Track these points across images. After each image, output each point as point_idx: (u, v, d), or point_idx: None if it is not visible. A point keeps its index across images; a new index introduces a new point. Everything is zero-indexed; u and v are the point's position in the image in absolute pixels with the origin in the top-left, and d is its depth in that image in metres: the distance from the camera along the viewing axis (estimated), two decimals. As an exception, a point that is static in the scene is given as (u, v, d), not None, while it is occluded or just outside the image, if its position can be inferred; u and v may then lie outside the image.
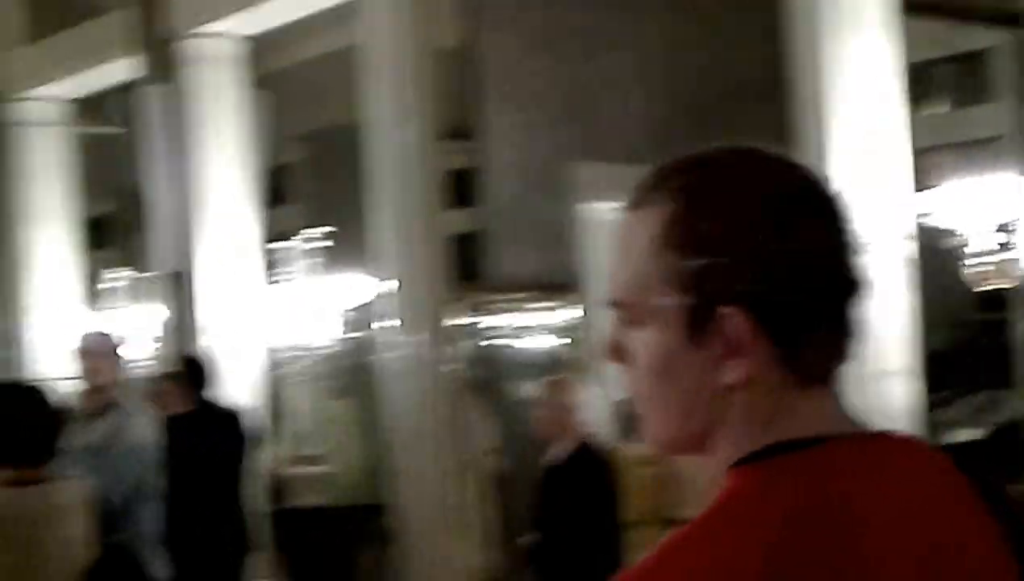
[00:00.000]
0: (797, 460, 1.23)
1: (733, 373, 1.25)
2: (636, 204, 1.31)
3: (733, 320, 1.24)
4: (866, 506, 1.22)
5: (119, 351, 5.86)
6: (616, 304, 1.32)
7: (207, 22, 10.21)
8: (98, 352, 5.73)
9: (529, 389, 6.21)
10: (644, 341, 1.29)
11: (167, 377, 8.49)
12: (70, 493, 4.24)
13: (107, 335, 5.99)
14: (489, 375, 10.27)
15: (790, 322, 1.25)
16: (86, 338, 5.88)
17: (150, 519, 5.68)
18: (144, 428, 5.78)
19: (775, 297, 1.24)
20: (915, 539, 1.24)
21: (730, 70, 10.24)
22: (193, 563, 8.01)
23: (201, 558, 8.02)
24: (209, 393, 8.27)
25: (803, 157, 5.87)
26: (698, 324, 1.26)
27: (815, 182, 1.30)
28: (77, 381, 5.65)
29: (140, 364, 11.41)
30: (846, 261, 1.28)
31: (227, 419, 8.34)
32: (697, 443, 1.30)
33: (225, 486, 8.22)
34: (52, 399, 4.31)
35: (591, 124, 9.98)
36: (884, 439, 1.30)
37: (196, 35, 10.26)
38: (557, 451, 6.03)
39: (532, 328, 10.36)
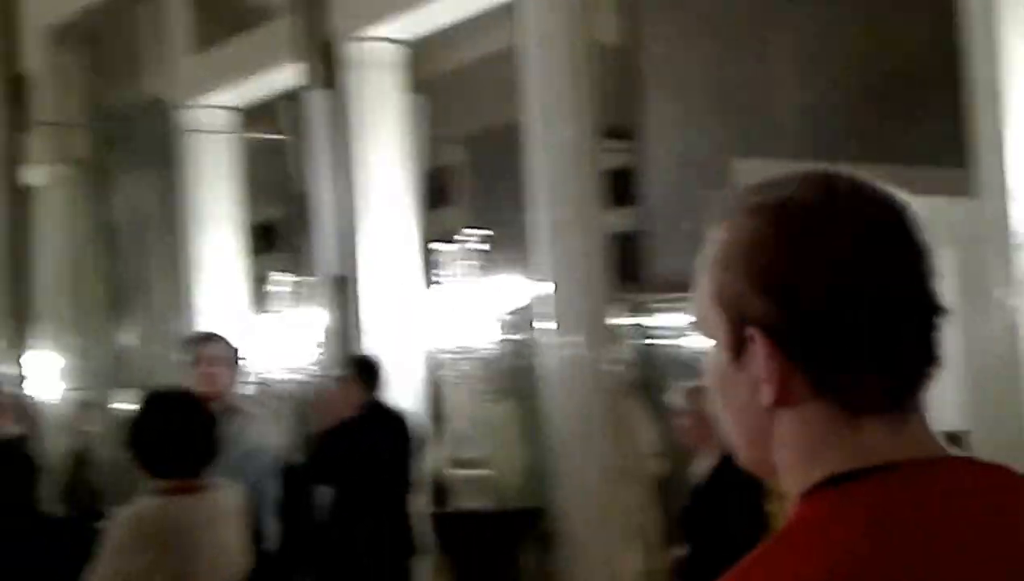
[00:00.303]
0: (857, 491, 1.20)
1: (765, 397, 1.24)
2: (715, 224, 1.32)
3: (756, 343, 1.23)
4: (929, 538, 1.18)
5: (237, 355, 5.82)
6: (693, 322, 1.33)
7: (368, 27, 10.28)
8: (215, 358, 5.69)
9: (674, 396, 6.02)
10: (709, 358, 1.31)
11: (338, 379, 8.55)
12: (227, 500, 4.26)
13: (224, 339, 5.96)
14: (650, 376, 10.14)
15: (821, 349, 1.22)
16: (203, 344, 5.84)
17: (270, 523, 5.65)
18: (263, 433, 5.76)
19: (796, 323, 1.22)
20: (985, 572, 1.19)
21: (898, 58, 9.89)
22: (360, 564, 8.05)
23: (368, 559, 8.05)
24: (379, 395, 8.31)
25: (978, 148, 5.60)
26: (737, 344, 1.25)
27: (882, 210, 1.25)
28: (196, 387, 5.62)
29: (304, 367, 11.55)
30: (900, 288, 1.23)
31: (396, 422, 8.37)
32: (767, 466, 1.29)
33: (393, 488, 8.23)
34: (208, 407, 4.34)
35: (753, 118, 9.77)
36: (961, 466, 1.24)
37: (357, 40, 10.34)
38: (702, 461, 5.87)
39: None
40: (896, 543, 1.16)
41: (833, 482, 1.22)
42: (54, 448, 12.07)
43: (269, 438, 5.85)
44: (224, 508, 4.22)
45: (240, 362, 5.83)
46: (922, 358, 1.24)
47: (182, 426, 4.12)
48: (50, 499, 10.21)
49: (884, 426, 1.23)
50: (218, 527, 4.15)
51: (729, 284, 1.26)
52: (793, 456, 1.25)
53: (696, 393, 5.88)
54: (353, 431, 8.16)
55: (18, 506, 7.79)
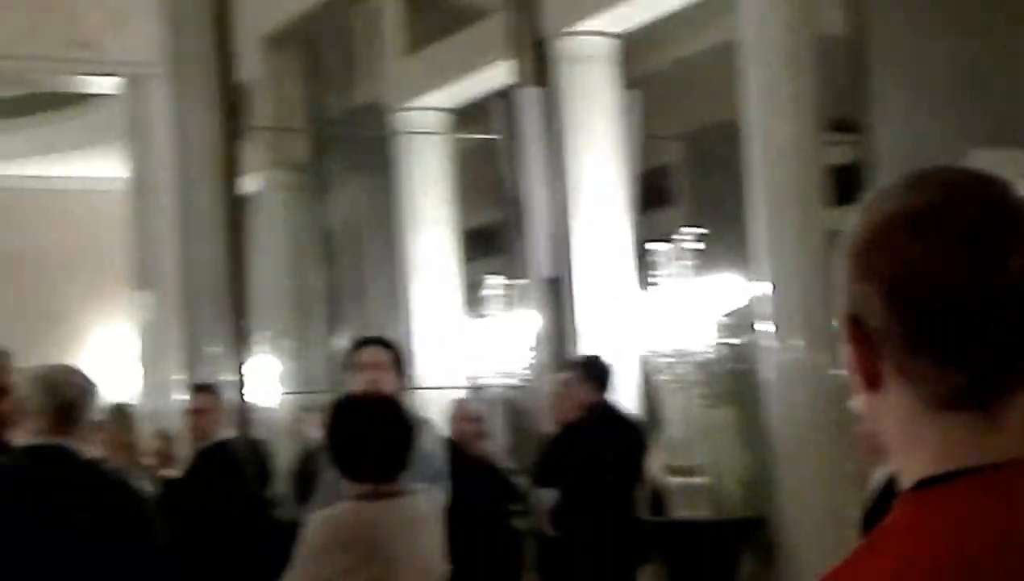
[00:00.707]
0: (934, 499, 1.21)
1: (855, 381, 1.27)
2: None
3: (846, 330, 1.26)
4: (1004, 546, 1.16)
5: (400, 360, 5.63)
6: None
7: (581, 21, 10.15)
8: (376, 363, 5.50)
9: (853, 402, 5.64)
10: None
11: (564, 380, 8.39)
12: (424, 505, 4.23)
13: (387, 343, 5.77)
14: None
15: (890, 338, 1.23)
16: (364, 349, 5.64)
17: None
18: (432, 440, 5.56)
19: (869, 310, 1.24)
20: None
21: None
22: (584, 568, 7.89)
23: (591, 563, 7.87)
24: (607, 397, 8.15)
25: None
26: (845, 331, 1.28)
27: (977, 210, 1.22)
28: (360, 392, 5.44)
29: (519, 371, 11.44)
30: (981, 289, 1.20)
31: (623, 424, 8.20)
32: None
33: (618, 493, 8.05)
34: (405, 412, 4.30)
35: (990, 107, 9.27)
36: None
37: (570, 35, 10.20)
38: (879, 475, 5.50)
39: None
40: (967, 552, 1.16)
41: (916, 488, 1.23)
42: (275, 452, 12.20)
43: (438, 443, 5.67)
44: (421, 513, 4.17)
45: (404, 367, 5.64)
46: (1014, 358, 1.21)
47: (378, 430, 4.09)
48: (275, 503, 10.29)
49: (969, 424, 1.22)
50: (416, 532, 4.10)
51: (839, 274, 1.29)
52: (892, 449, 1.27)
53: None
54: (578, 433, 8.00)
55: (238, 508, 7.85)
